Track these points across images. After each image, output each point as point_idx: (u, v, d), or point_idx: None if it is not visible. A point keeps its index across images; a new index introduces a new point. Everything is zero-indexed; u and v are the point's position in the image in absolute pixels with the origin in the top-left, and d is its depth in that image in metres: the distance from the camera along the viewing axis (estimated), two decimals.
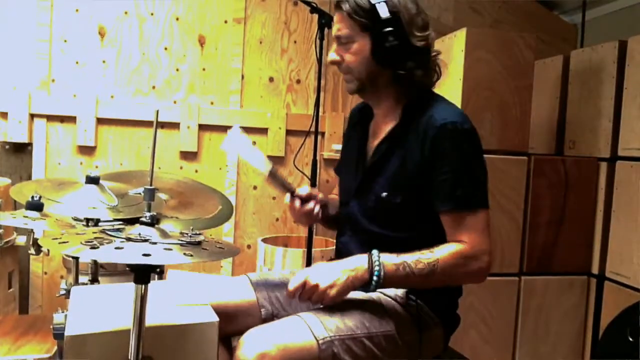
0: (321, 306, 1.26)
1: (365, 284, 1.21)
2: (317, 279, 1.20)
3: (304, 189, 1.45)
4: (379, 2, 1.28)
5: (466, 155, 1.27)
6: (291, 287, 1.21)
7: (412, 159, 1.29)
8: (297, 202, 1.42)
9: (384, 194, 1.32)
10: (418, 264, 1.21)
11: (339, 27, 1.34)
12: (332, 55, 1.37)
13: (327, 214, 1.51)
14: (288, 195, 1.43)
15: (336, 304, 1.28)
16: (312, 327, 1.18)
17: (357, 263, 1.22)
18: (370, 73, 1.33)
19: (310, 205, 1.43)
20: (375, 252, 1.23)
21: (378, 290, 1.32)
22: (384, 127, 1.39)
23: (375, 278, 1.20)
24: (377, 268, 1.20)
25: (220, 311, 1.20)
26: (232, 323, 1.36)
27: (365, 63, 1.32)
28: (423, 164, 1.27)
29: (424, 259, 1.21)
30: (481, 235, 1.25)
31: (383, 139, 1.37)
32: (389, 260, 1.21)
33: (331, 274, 1.21)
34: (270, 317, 1.39)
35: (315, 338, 1.16)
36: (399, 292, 1.33)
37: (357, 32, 1.31)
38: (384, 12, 1.27)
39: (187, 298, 1.28)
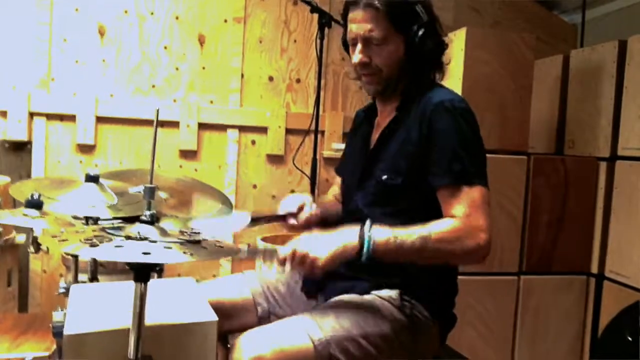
0: (318, 305, 1.26)
1: (356, 256, 1.18)
2: (306, 247, 1.17)
3: (289, 204, 1.45)
4: (416, 2, 1.26)
5: (462, 132, 1.25)
6: (281, 254, 1.19)
7: (411, 139, 1.28)
8: (293, 221, 1.44)
9: (384, 176, 1.31)
10: (410, 237, 1.18)
11: (369, 27, 1.26)
12: (358, 56, 1.30)
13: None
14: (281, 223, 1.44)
15: (330, 306, 1.28)
16: (308, 329, 1.17)
17: (347, 235, 1.19)
18: (401, 73, 1.32)
19: (306, 212, 1.43)
20: (367, 224, 1.19)
21: (372, 292, 1.32)
22: (387, 117, 1.39)
23: (364, 250, 1.17)
24: (367, 240, 1.17)
25: (217, 308, 1.20)
26: (229, 320, 1.36)
27: (398, 64, 1.30)
28: (421, 142, 1.26)
29: (416, 232, 1.18)
30: (477, 211, 1.21)
31: (384, 127, 1.37)
32: (380, 233, 1.18)
33: (320, 243, 1.18)
34: (267, 315, 1.39)
35: (312, 339, 1.15)
36: (393, 293, 1.31)
37: (392, 32, 1.27)
38: (423, 13, 1.25)
39: (185, 296, 1.28)
